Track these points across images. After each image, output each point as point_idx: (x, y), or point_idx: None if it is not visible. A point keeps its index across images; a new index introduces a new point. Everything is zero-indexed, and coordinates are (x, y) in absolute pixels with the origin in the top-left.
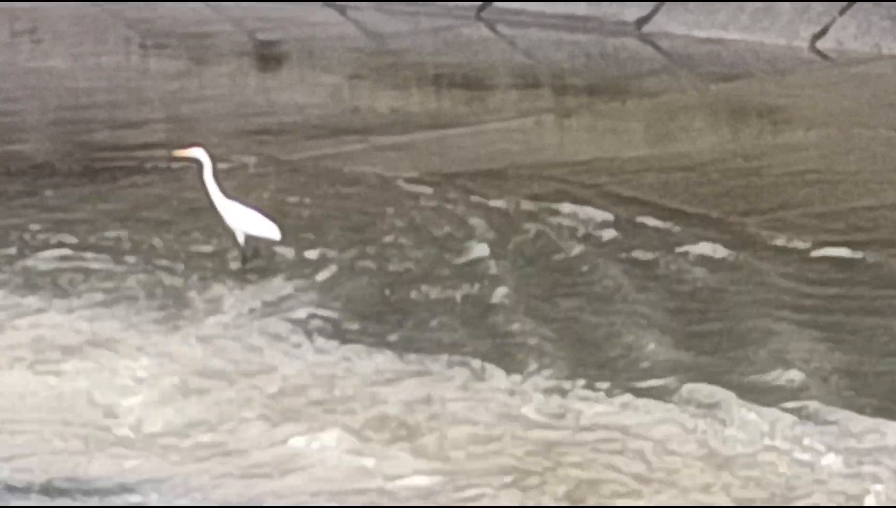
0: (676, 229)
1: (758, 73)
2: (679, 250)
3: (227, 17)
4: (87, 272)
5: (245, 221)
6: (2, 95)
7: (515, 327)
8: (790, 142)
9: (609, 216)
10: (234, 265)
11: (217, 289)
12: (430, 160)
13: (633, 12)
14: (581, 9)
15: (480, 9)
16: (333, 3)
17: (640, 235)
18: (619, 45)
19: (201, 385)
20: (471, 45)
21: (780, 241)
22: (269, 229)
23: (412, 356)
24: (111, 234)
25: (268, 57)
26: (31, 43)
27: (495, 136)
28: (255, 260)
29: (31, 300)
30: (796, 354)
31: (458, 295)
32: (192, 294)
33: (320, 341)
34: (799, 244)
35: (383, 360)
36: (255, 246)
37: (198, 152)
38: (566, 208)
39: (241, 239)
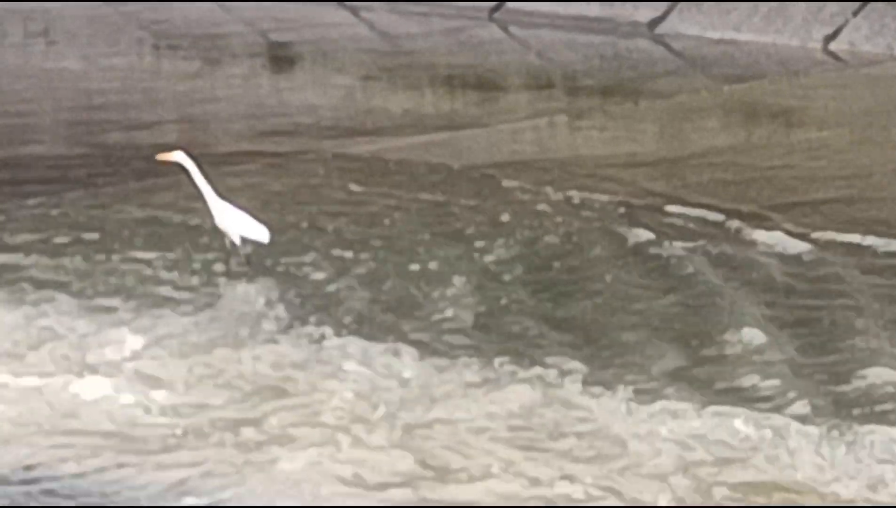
0: (735, 224)
1: (771, 74)
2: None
3: (239, 18)
4: (103, 273)
5: (236, 223)
6: (15, 96)
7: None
8: (803, 142)
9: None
10: (222, 267)
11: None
12: (444, 160)
13: (646, 13)
14: (594, 10)
15: (493, 10)
16: (346, 4)
17: (714, 231)
18: (631, 46)
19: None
20: (483, 46)
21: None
22: (258, 232)
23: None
24: (124, 234)
25: (281, 58)
26: (44, 44)
27: (508, 136)
28: (246, 264)
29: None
30: None
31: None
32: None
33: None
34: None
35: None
36: (247, 252)
37: (179, 156)
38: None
39: (236, 240)
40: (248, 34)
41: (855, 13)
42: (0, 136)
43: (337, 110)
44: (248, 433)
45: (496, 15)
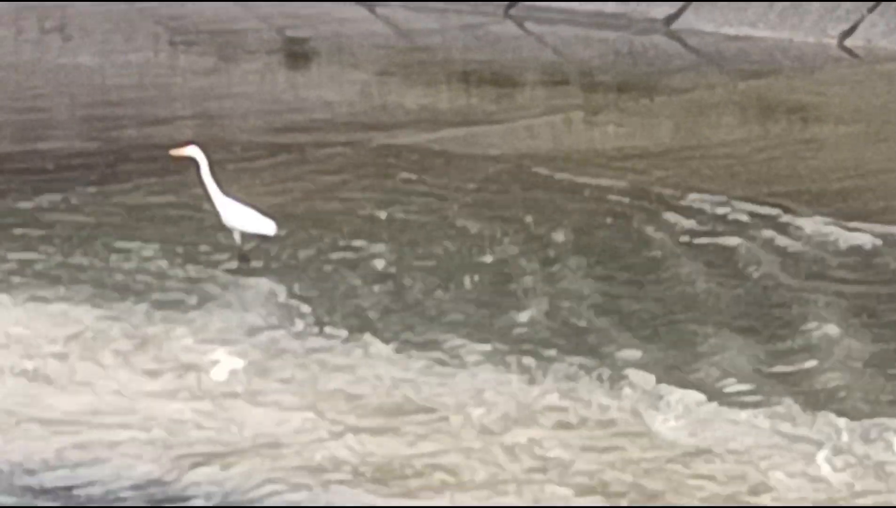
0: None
1: (786, 70)
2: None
3: (255, 14)
4: (120, 272)
5: (242, 218)
6: (31, 92)
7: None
8: (819, 138)
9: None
10: (233, 264)
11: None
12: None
13: (661, 9)
14: (610, 6)
15: (509, 6)
16: (362, 0)
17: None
18: (647, 43)
19: None
20: (499, 42)
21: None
22: (265, 226)
23: None
24: (142, 231)
25: (297, 54)
26: (60, 40)
27: (524, 132)
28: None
29: (59, 292)
30: None
31: None
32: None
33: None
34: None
35: None
36: (246, 247)
37: (193, 151)
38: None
39: (237, 237)
40: (264, 30)
41: (870, 9)
42: (16, 131)
43: (353, 106)
44: None
45: (512, 11)
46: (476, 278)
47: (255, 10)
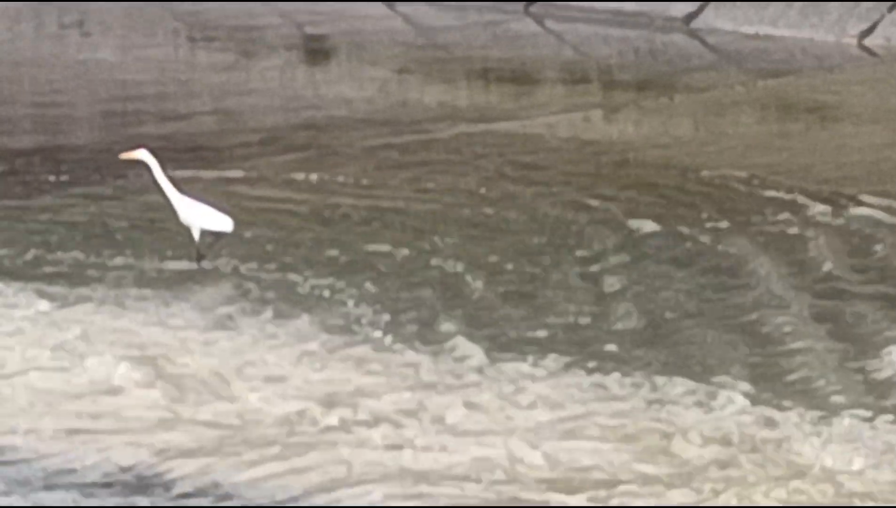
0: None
1: (806, 69)
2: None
3: (275, 11)
4: (138, 269)
5: (199, 215)
6: (51, 87)
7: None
8: (839, 138)
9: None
10: (190, 263)
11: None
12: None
13: (681, 8)
14: (629, 4)
15: (529, 4)
16: None
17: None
18: (667, 41)
19: None
20: (519, 39)
21: None
22: (222, 222)
23: None
24: (164, 227)
25: (316, 50)
26: (79, 35)
27: (543, 130)
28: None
29: (81, 292)
30: None
31: None
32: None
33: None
34: None
35: None
36: (207, 243)
37: (142, 154)
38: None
39: (196, 235)
40: (283, 26)
41: (890, 9)
42: (35, 126)
43: (372, 103)
44: None
45: (532, 9)
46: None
47: (274, 7)
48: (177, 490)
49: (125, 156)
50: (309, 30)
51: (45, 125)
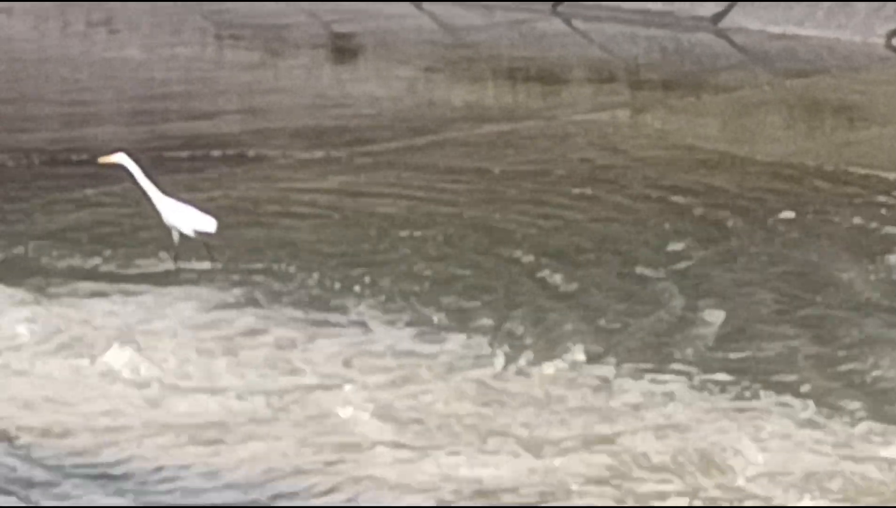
0: None
1: (833, 69)
2: None
3: (302, 9)
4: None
5: (181, 217)
6: (78, 85)
7: None
8: (866, 138)
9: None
10: (170, 265)
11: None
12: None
13: (708, 8)
14: (657, 4)
15: (556, 3)
16: None
17: None
18: (694, 41)
19: None
20: (546, 39)
21: None
22: (205, 223)
23: None
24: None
25: (343, 49)
26: (106, 33)
27: (570, 129)
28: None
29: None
30: None
31: None
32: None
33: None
34: None
35: None
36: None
37: (120, 158)
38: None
39: (176, 237)
40: (310, 25)
41: None
42: (62, 124)
43: (399, 102)
44: None
45: (559, 8)
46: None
47: (301, 5)
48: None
49: (104, 160)
50: (336, 28)
51: (71, 123)
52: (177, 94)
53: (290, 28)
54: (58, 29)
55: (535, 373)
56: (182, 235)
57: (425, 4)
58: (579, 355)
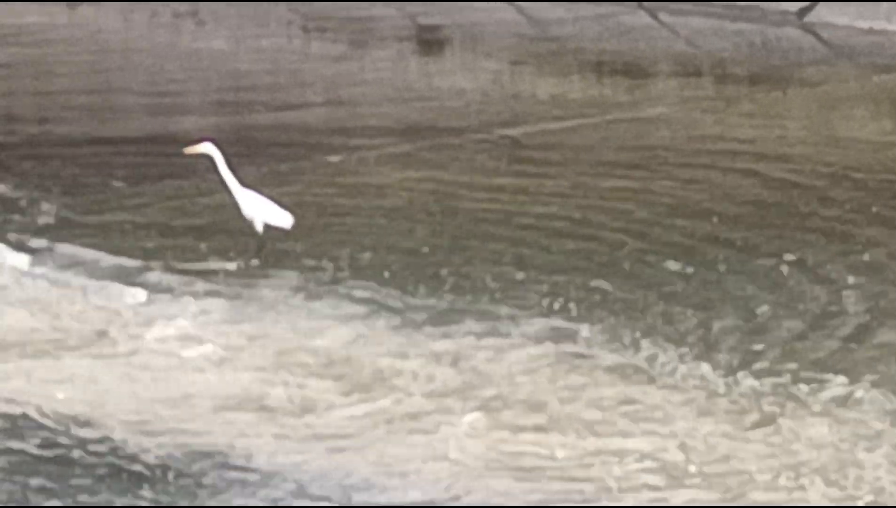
0: None
1: None
2: None
3: (389, 1)
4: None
5: (260, 210)
6: (164, 76)
7: None
8: None
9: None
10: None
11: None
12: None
13: (795, 2)
14: None
15: None
16: None
17: None
18: (780, 35)
19: None
20: (632, 32)
21: None
22: (282, 218)
23: None
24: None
25: (429, 41)
26: (193, 25)
27: (657, 122)
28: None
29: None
30: None
31: None
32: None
33: None
34: None
35: None
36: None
37: (207, 147)
38: None
39: (259, 228)
40: (396, 17)
41: None
42: (149, 115)
43: (485, 95)
44: None
45: (645, 2)
46: None
47: None
48: None
49: (189, 150)
50: (422, 20)
51: (157, 114)
52: (262, 85)
53: (376, 20)
54: (145, 21)
55: None
56: (264, 226)
57: None
58: None
